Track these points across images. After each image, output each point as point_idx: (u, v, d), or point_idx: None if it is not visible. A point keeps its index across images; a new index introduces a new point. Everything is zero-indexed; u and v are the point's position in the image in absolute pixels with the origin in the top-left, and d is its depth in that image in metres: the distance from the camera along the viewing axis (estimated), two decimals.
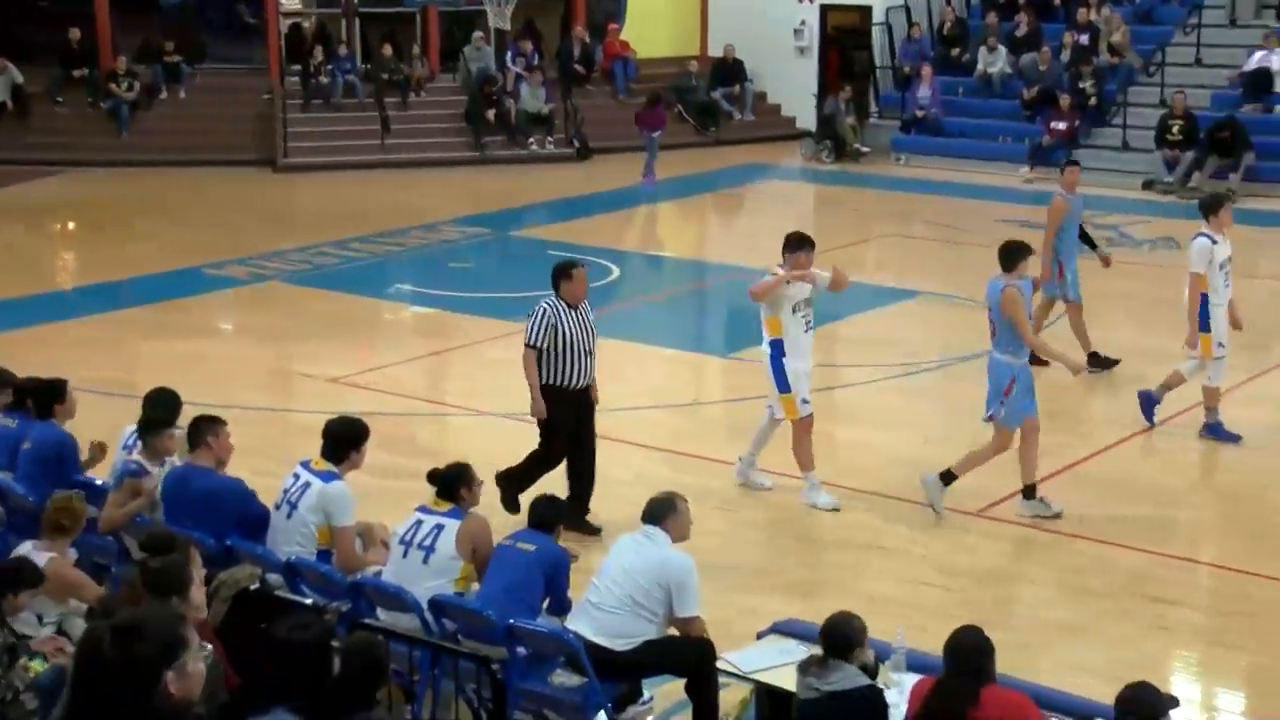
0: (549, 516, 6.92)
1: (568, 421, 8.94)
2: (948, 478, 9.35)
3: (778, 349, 9.39)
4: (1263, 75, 21.19)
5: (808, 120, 25.32)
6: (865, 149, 23.66)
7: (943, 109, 23.55)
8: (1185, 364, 10.78)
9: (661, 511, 6.76)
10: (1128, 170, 21.17)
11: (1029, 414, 9.28)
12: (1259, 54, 21.46)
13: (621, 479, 9.82)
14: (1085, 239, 12.72)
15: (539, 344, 8.84)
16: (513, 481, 8.99)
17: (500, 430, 11.15)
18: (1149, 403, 10.96)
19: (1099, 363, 12.31)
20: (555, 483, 8.84)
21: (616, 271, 16.42)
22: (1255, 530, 9.18)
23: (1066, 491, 9.71)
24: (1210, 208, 10.63)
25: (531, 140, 23.69)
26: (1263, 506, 9.62)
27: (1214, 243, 10.47)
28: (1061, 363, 9.67)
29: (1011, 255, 9.34)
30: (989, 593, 8.35)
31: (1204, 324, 10.53)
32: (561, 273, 8.97)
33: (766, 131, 25.44)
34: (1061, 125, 21.91)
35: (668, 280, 16.79)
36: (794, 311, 9.32)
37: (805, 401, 9.40)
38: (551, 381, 8.88)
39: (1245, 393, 11.64)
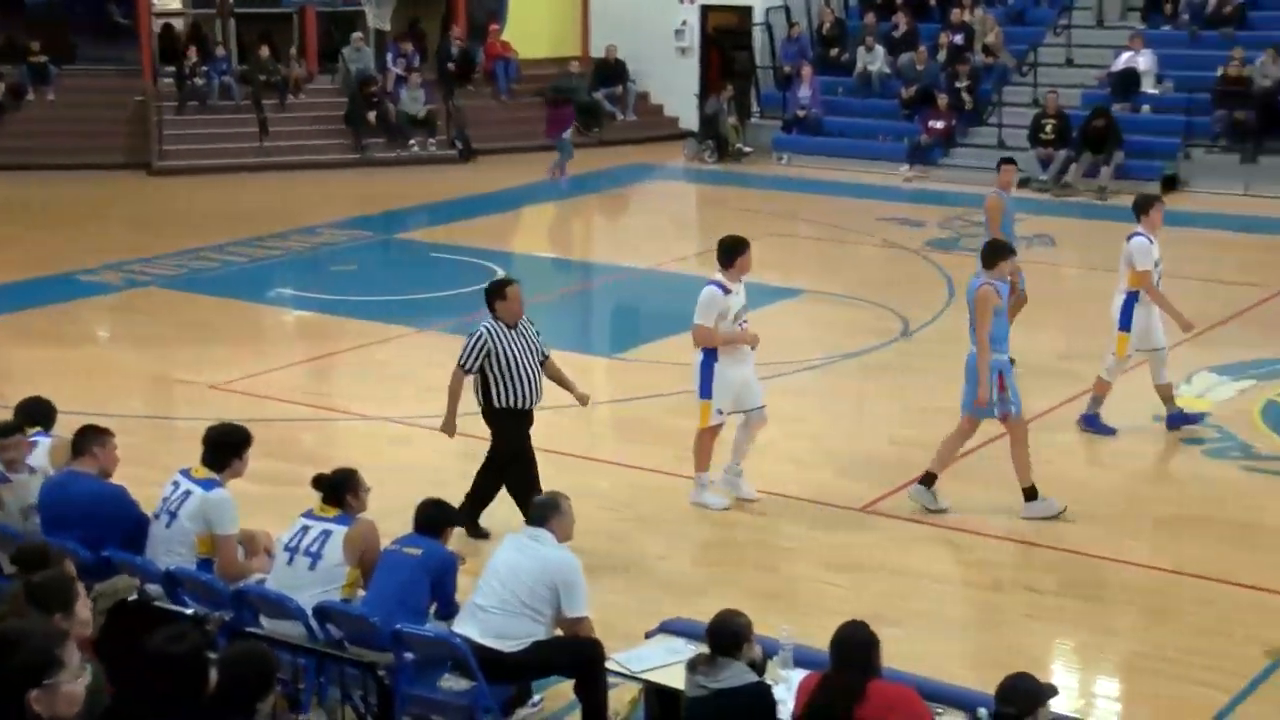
0: (435, 519, 6.88)
1: (519, 442, 8.85)
2: (1030, 493, 9.29)
3: (711, 355, 9.27)
4: (1130, 75, 21.75)
5: (690, 120, 25.46)
6: (747, 149, 23.84)
7: (823, 108, 23.82)
8: (1159, 355, 10.72)
9: (546, 512, 6.76)
10: None
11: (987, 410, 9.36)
12: (1126, 54, 22.02)
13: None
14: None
15: (469, 367, 8.73)
16: (474, 506, 8.90)
17: (387, 434, 11.07)
18: (1184, 419, 10.90)
19: None
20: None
21: (502, 273, 16.30)
22: (1124, 519, 9.40)
23: (947, 484, 9.88)
24: (1142, 207, 10.75)
25: (413, 142, 23.54)
26: (1133, 498, 9.86)
27: (1150, 241, 10.56)
28: (982, 373, 9.41)
29: (992, 254, 9.40)
30: (874, 587, 8.46)
31: (1125, 323, 10.55)
32: (495, 293, 8.81)
33: (649, 132, 25.54)
34: (939, 124, 22.29)
35: (554, 281, 16.76)
36: (735, 320, 9.28)
37: (720, 412, 9.36)
38: (504, 404, 8.75)
39: (1116, 387, 11.93)
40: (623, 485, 9.71)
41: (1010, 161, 13.18)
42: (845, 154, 23.02)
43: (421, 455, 10.57)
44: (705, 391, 9.31)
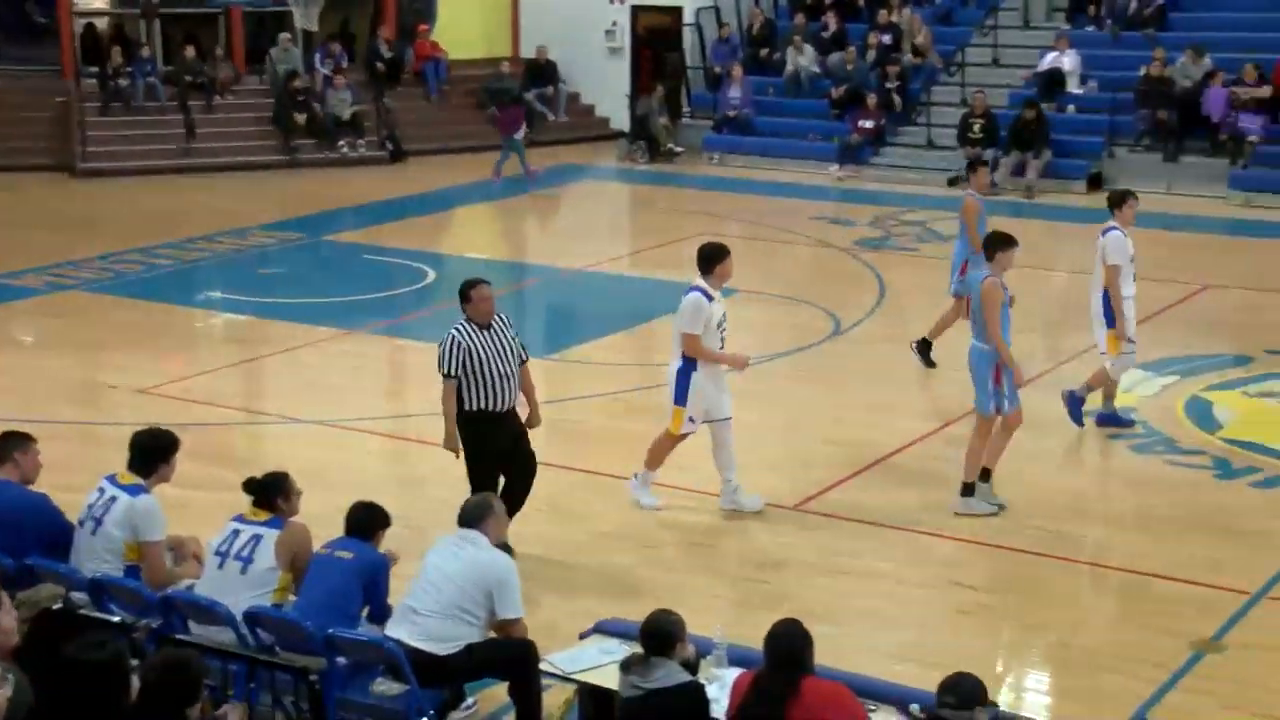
0: (367, 522, 6.85)
1: (497, 446, 8.56)
2: (985, 475, 9.39)
3: (691, 363, 9.15)
4: (1055, 75, 22.02)
5: (622, 121, 25.47)
6: (679, 149, 23.89)
7: (754, 109, 23.91)
8: (1120, 359, 10.71)
9: (479, 513, 6.74)
10: (933, 168, 21.80)
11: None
12: (1051, 55, 22.30)
13: (439, 482, 9.75)
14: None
15: (454, 373, 8.45)
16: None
17: (317, 437, 10.99)
18: (1116, 419, 10.96)
19: (924, 352, 12.47)
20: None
21: (433, 275, 16.30)
22: (1051, 514, 9.50)
23: (876, 483, 9.96)
24: (1115, 202, 10.81)
25: (342, 143, 23.38)
26: (1061, 493, 9.98)
27: (1124, 236, 10.65)
28: (1011, 366, 9.45)
29: (993, 246, 9.40)
30: (807, 585, 8.51)
31: (1110, 320, 10.62)
32: (462, 295, 8.58)
33: (581, 132, 25.53)
34: (869, 124, 22.45)
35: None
36: (718, 328, 9.20)
37: (692, 420, 9.27)
38: (475, 407, 8.50)
39: (1045, 381, 12.07)
40: (554, 486, 9.69)
41: (984, 163, 13.18)
42: (776, 154, 23.14)
43: (354, 458, 10.51)
44: (680, 398, 9.20)
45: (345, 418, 11.26)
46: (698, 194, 21.40)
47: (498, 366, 8.46)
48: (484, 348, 8.44)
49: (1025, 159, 20.90)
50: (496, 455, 8.58)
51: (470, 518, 6.74)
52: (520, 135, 22.36)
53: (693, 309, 9.12)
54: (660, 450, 9.47)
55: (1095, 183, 20.86)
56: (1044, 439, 10.78)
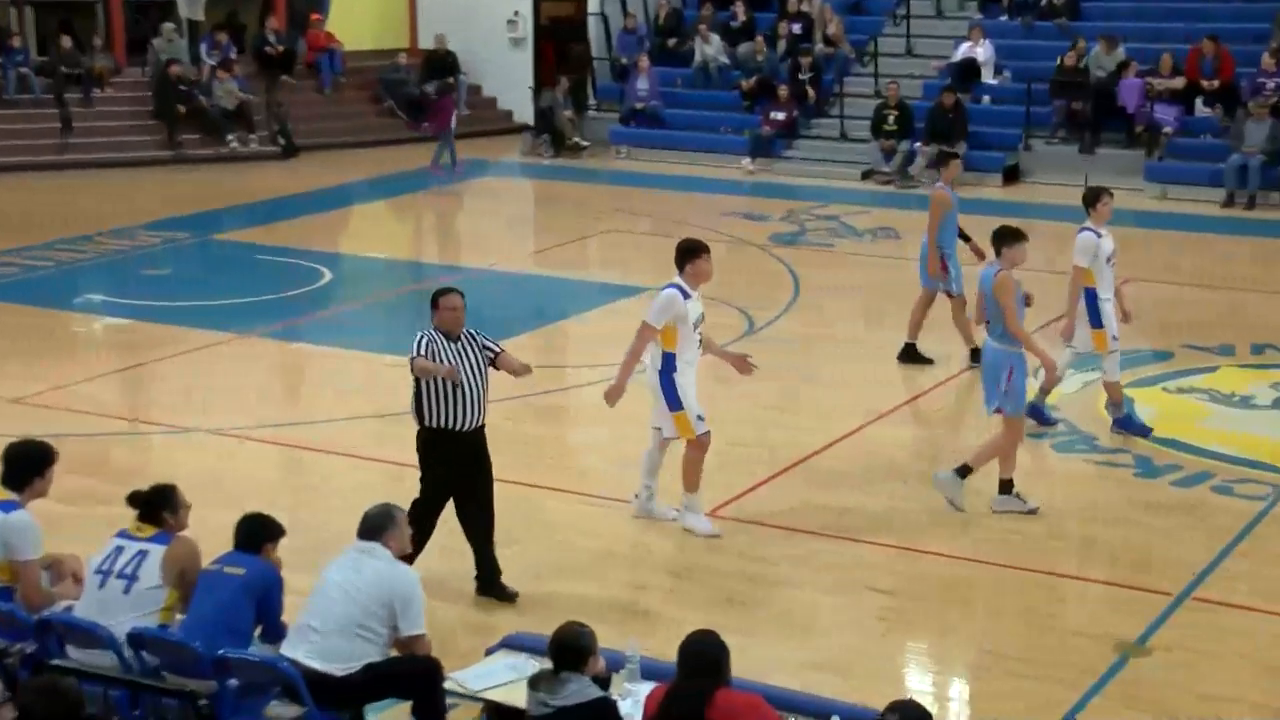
0: (258, 535, 6.72)
1: (453, 470, 8.26)
2: (964, 471, 9.44)
3: (670, 363, 9.01)
4: (970, 65, 22.28)
5: (525, 113, 25.38)
6: (585, 142, 23.85)
7: (662, 101, 23.94)
8: (1061, 356, 10.84)
9: (380, 524, 6.64)
10: (846, 160, 21.96)
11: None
12: (965, 45, 22.56)
13: (339, 491, 9.66)
14: (960, 233, 12.78)
15: (423, 352, 8.04)
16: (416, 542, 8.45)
17: (208, 447, 10.81)
18: (1039, 415, 11.04)
19: (913, 357, 12.49)
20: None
21: (329, 275, 16.13)
22: (973, 517, 9.57)
23: (798, 484, 9.98)
24: (1090, 201, 10.87)
25: (231, 138, 23.07)
26: (982, 495, 10.05)
27: (1099, 236, 10.68)
28: (1040, 359, 9.65)
29: (1003, 240, 9.43)
30: (721, 594, 8.49)
31: (1095, 320, 10.69)
32: (432, 303, 8.28)
33: (483, 126, 25.41)
34: (780, 116, 22.56)
35: (383, 282, 16.58)
36: (694, 329, 9.08)
37: (700, 418, 9.08)
38: (436, 423, 8.16)
39: (969, 377, 12.19)
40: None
41: (955, 155, 13.19)
42: (685, 147, 23.20)
43: (246, 468, 10.35)
44: (674, 403, 9.06)
45: (237, 426, 11.09)
46: (605, 189, 21.37)
47: (467, 380, 8.15)
48: (449, 359, 8.12)
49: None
50: (454, 479, 8.28)
51: (371, 528, 6.64)
52: (453, 126, 22.20)
53: (662, 303, 9.02)
54: (693, 467, 9.22)
55: (1012, 175, 21.14)
56: (966, 443, 10.85)
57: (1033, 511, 9.48)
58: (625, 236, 18.63)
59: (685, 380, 9.13)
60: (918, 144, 21.26)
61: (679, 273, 9.14)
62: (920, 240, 12.78)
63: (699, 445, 9.18)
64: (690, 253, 9.15)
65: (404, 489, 9.15)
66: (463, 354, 8.20)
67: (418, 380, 8.16)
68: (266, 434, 11.10)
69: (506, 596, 8.34)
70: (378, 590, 6.42)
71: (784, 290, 15.34)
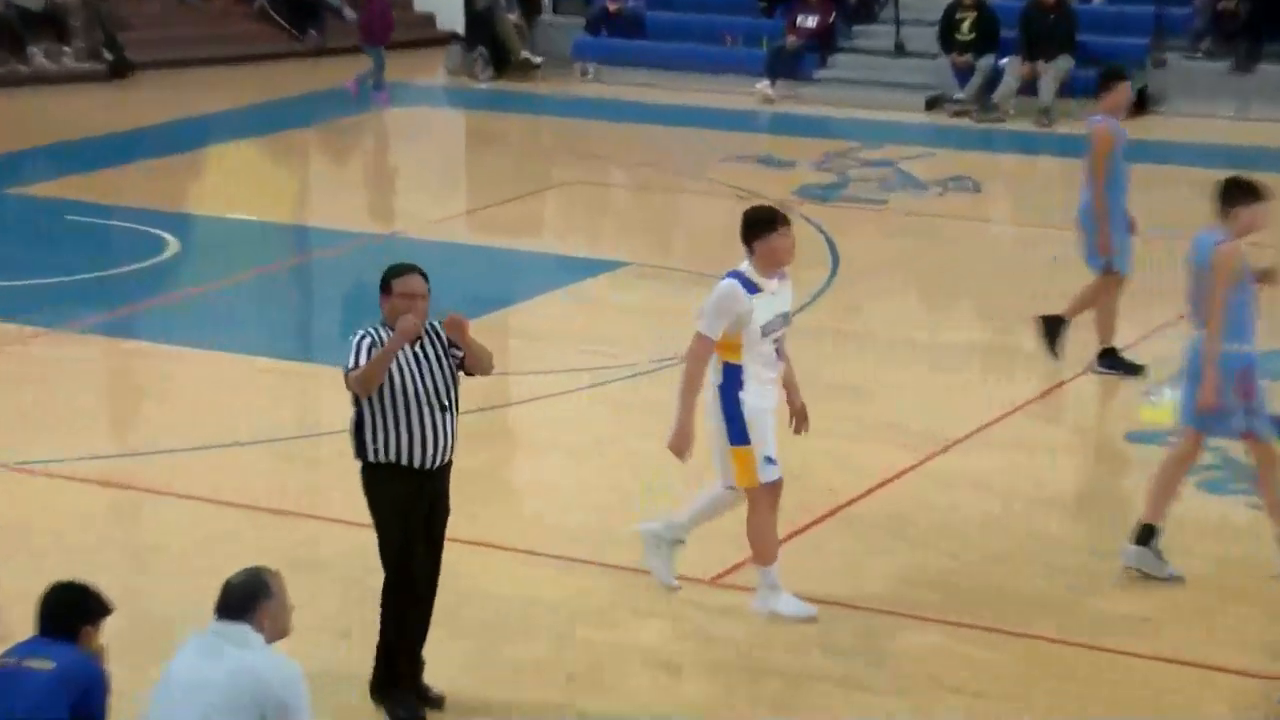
0: (72, 613, 6.70)
1: (402, 519, 8.09)
2: (1147, 534, 9.43)
3: (733, 379, 8.90)
4: None
5: (453, 19, 25.44)
6: (537, 59, 23.92)
7: (645, 2, 23.98)
8: None
9: (248, 597, 6.60)
10: (904, 83, 22.02)
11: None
12: None
13: (187, 548, 9.66)
14: None
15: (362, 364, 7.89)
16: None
17: (3, 488, 10.80)
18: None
19: (1116, 364, 12.49)
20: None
21: (175, 245, 16.15)
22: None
23: (841, 536, 10.01)
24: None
25: (36, 50, 23.11)
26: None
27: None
28: (1204, 369, 9.28)
29: (1232, 196, 9.28)
30: (757, 699, 8.53)
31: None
32: (381, 286, 8.04)
33: (398, 35, 25.37)
34: (811, 22, 22.61)
35: (254, 255, 16.57)
36: (764, 333, 8.88)
37: (771, 460, 8.92)
38: (387, 457, 8.03)
39: (1070, 392, 12.26)
40: (357, 546, 9.53)
41: (1121, 76, 12.84)
42: (677, 65, 23.29)
43: (58, 518, 10.32)
44: (737, 434, 8.87)
45: (47, 458, 11.09)
46: (565, 124, 21.44)
47: (424, 399, 8.03)
48: (406, 366, 8.04)
49: (1037, 69, 21.16)
50: (398, 534, 8.14)
51: (235, 604, 6.60)
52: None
53: (715, 302, 8.84)
54: (765, 534, 9.04)
55: (1139, 104, 21.19)
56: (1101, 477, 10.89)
57: (1174, 578, 9.51)
58: (592, 191, 18.65)
59: (758, 402, 8.91)
60: (1005, 58, 21.33)
61: (747, 255, 8.96)
62: (1068, 197, 12.73)
63: (769, 496, 8.98)
64: (759, 225, 8.91)
65: (284, 546, 9.14)
66: (423, 359, 8.09)
67: (358, 399, 8.09)
68: (89, 469, 11.10)
69: (430, 701, 8.34)
70: (242, 691, 6.40)
71: (817, 267, 15.33)
